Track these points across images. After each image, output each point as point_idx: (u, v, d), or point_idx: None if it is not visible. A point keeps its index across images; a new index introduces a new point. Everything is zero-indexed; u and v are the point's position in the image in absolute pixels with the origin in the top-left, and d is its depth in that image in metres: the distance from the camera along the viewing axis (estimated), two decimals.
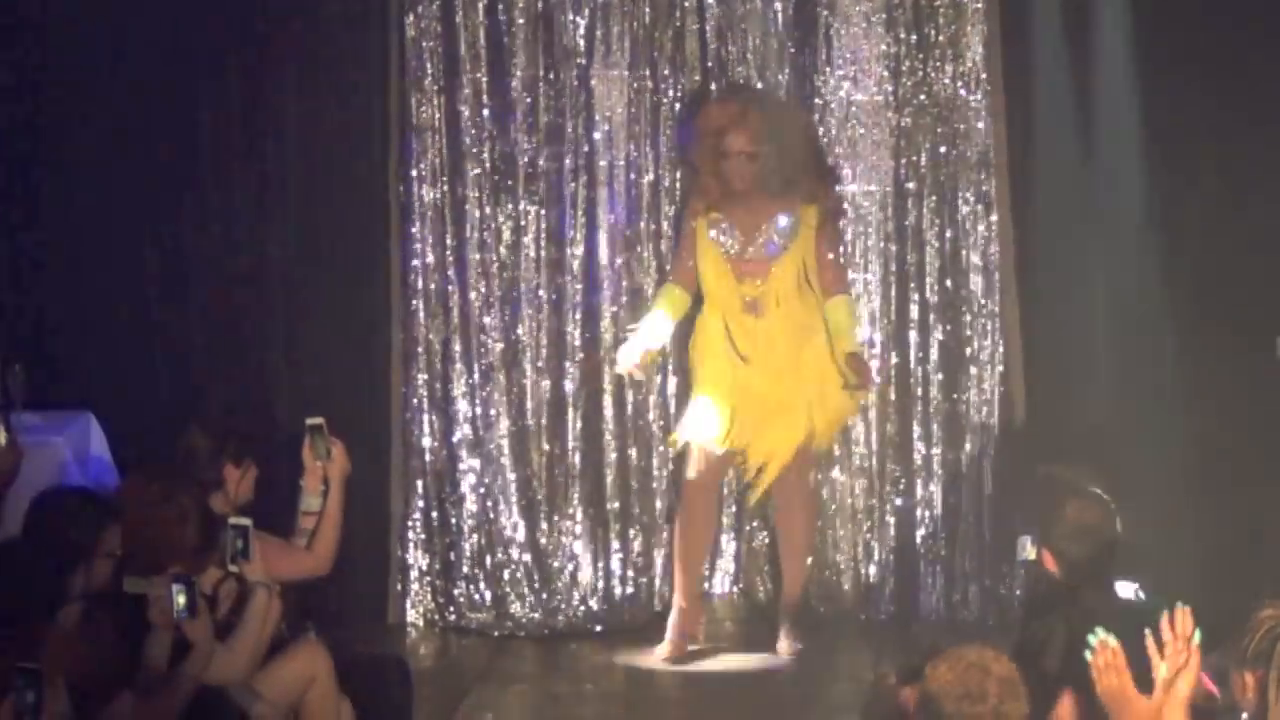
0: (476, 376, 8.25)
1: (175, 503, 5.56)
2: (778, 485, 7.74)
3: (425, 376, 8.26)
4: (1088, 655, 4.22)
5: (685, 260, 7.84)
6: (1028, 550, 5.46)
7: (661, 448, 8.24)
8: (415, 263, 8.22)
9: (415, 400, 8.27)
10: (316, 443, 6.32)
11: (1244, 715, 4.16)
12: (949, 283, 8.18)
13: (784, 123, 7.74)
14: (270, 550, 5.97)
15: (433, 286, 8.24)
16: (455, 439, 8.26)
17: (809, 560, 7.94)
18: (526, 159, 8.20)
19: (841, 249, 7.97)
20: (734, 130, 7.60)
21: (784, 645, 7.79)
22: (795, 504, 7.81)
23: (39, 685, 4.30)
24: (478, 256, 8.21)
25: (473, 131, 8.20)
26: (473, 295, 8.23)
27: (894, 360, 8.21)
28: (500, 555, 8.24)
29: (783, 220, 7.70)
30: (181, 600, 5.21)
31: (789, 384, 7.63)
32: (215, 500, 6.04)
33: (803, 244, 7.69)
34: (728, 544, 8.38)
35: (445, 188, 8.21)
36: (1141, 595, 5.18)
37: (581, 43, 8.19)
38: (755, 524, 8.33)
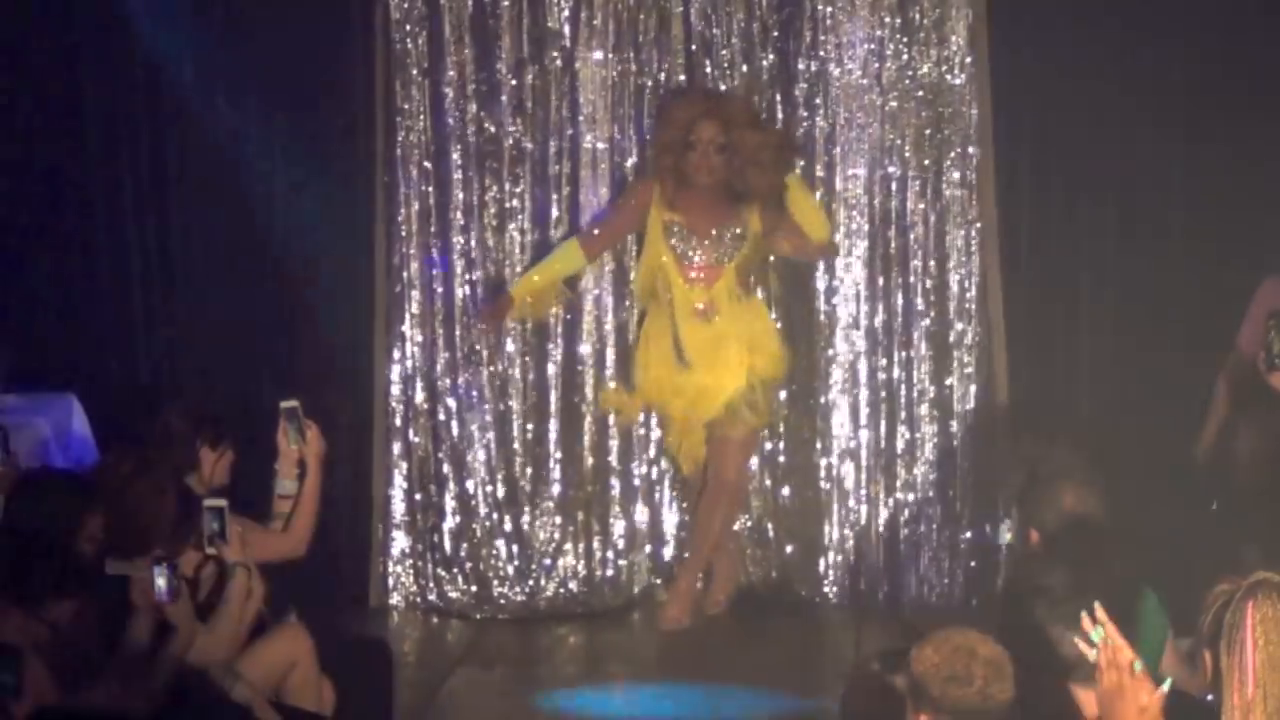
0: (459, 359, 8.21)
1: (151, 478, 5.54)
2: (711, 469, 7.78)
3: (408, 359, 8.23)
4: (1080, 642, 4.19)
5: (609, 233, 7.86)
6: (1007, 534, 5.43)
7: (642, 430, 8.21)
8: (400, 245, 8.18)
9: (397, 382, 8.23)
10: (290, 426, 6.28)
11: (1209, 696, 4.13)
12: (933, 265, 8.16)
13: (753, 122, 7.66)
14: (246, 533, 5.92)
15: (416, 268, 8.19)
16: (437, 422, 8.22)
17: (705, 551, 7.94)
18: (511, 141, 8.16)
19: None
20: (704, 120, 7.54)
21: (670, 613, 7.84)
22: (721, 491, 7.82)
23: (18, 667, 4.27)
24: (461, 239, 8.17)
25: (457, 114, 8.16)
26: (456, 278, 8.20)
27: (879, 343, 8.18)
28: (481, 538, 8.21)
29: (736, 229, 7.67)
30: (162, 582, 5.18)
31: (726, 383, 7.68)
32: (189, 483, 6.00)
33: (750, 249, 7.69)
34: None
35: (430, 169, 8.17)
36: None
37: (566, 25, 8.14)
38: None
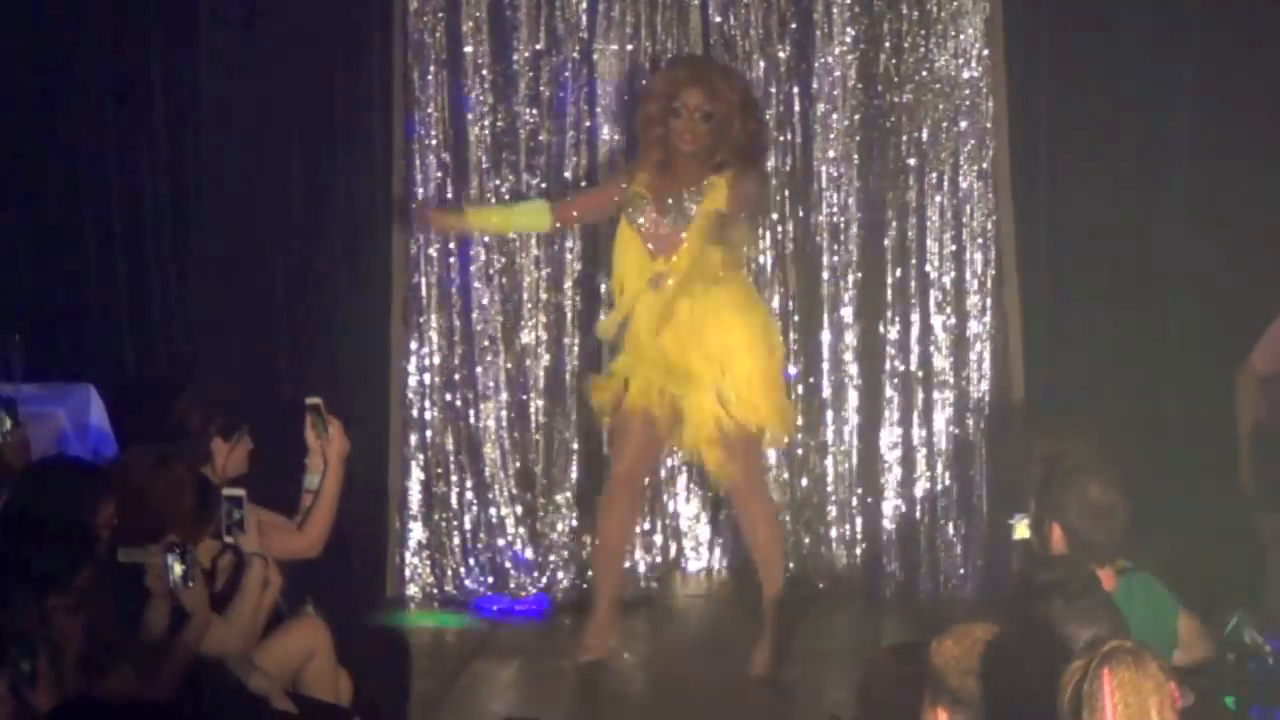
0: (475, 351, 8.18)
1: (170, 471, 5.51)
2: (725, 476, 7.29)
3: (425, 351, 8.19)
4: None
5: (584, 204, 7.50)
6: (1020, 529, 5.39)
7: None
8: (417, 235, 8.14)
9: (414, 375, 8.19)
10: (316, 422, 6.25)
11: None
12: (949, 258, 8.11)
13: (738, 89, 7.33)
14: (264, 530, 5.88)
15: (433, 260, 8.16)
16: (454, 414, 8.19)
17: (780, 558, 7.44)
18: (527, 132, 8.12)
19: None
20: (691, 87, 7.16)
21: (758, 659, 7.29)
22: (747, 500, 7.34)
23: (34, 656, 4.24)
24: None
25: (475, 105, 8.12)
26: (473, 269, 8.16)
27: (894, 336, 8.13)
28: (497, 530, 8.17)
29: (698, 196, 7.19)
30: (178, 569, 5.15)
31: (695, 358, 7.15)
32: (205, 473, 5.96)
33: (714, 199, 7.15)
34: (725, 519, 8.31)
35: (447, 160, 8.13)
36: None
37: (584, 17, 8.11)
38: None
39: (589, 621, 7.39)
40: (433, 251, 8.17)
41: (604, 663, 7.30)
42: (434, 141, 8.15)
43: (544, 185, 8.14)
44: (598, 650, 7.32)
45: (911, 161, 8.11)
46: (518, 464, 8.19)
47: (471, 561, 8.21)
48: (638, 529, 8.10)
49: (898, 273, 8.15)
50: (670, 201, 7.14)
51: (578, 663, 7.29)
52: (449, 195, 8.13)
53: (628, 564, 8.08)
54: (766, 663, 7.24)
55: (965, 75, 8.06)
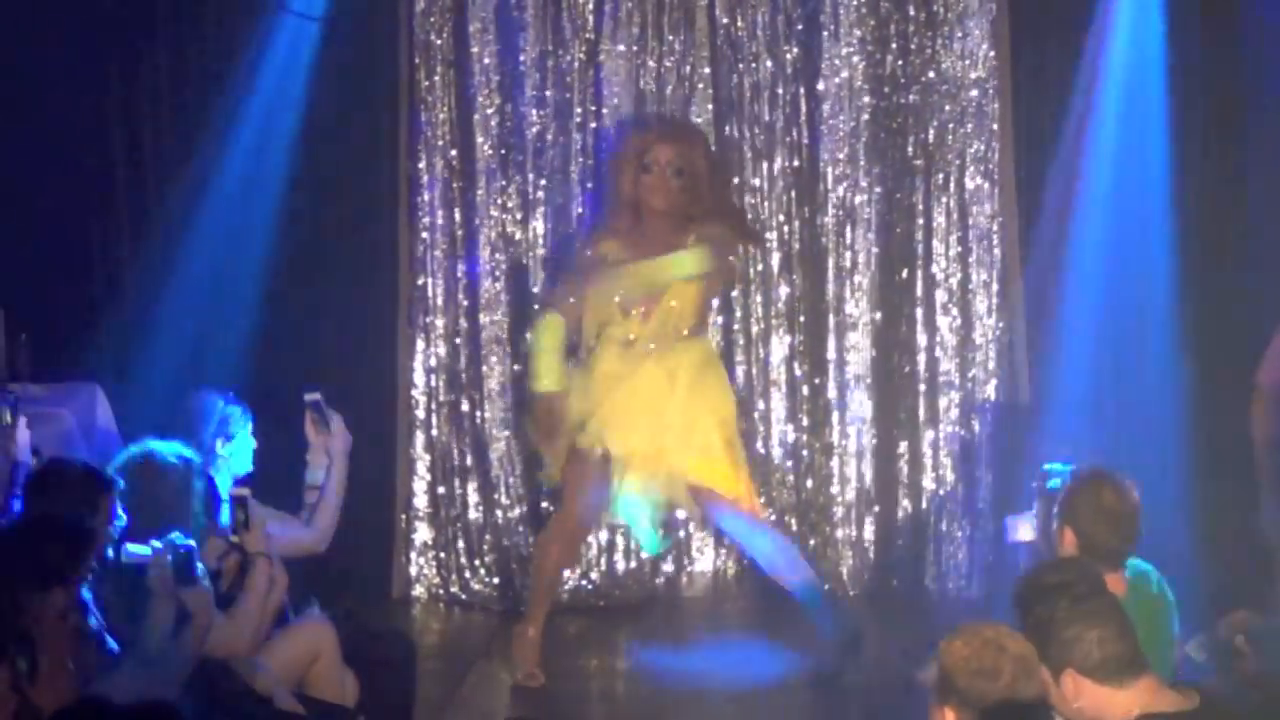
0: (482, 350, 8.16)
1: (176, 471, 5.49)
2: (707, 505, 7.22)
3: (432, 350, 8.18)
4: None
5: (574, 290, 7.21)
6: (1020, 531, 5.37)
7: None
8: (424, 235, 8.13)
9: (420, 374, 8.18)
10: (316, 418, 6.24)
11: None
12: (955, 259, 8.09)
13: (708, 153, 7.31)
14: (271, 527, 5.86)
15: (440, 259, 8.14)
16: (460, 414, 8.17)
17: (805, 569, 7.27)
18: (534, 134, 8.10)
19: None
20: (661, 144, 7.12)
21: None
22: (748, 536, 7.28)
23: (34, 653, 4.23)
24: (485, 231, 8.12)
25: (481, 106, 8.10)
26: (479, 269, 8.15)
27: (899, 337, 8.12)
28: (503, 531, 8.15)
29: (674, 255, 7.09)
30: (183, 566, 5.11)
31: (652, 419, 7.09)
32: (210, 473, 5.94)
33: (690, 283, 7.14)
34: None
35: (454, 161, 8.12)
36: None
37: (591, 18, 8.09)
38: (761, 500, 8.21)
39: (518, 647, 7.25)
40: (439, 253, 8.16)
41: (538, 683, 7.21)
42: (441, 142, 8.14)
43: (549, 186, 8.11)
44: (536, 677, 7.19)
45: (918, 162, 8.11)
46: (522, 465, 8.16)
47: (477, 563, 8.19)
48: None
49: (904, 273, 8.15)
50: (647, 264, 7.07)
51: (513, 681, 7.19)
52: (454, 196, 8.12)
53: (634, 565, 8.08)
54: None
55: (971, 76, 8.08)
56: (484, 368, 8.19)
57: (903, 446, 8.19)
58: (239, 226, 8.05)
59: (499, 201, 8.15)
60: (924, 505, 8.17)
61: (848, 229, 8.17)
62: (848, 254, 8.17)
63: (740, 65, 8.13)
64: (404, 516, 8.22)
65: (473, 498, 8.23)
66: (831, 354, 8.22)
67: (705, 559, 8.41)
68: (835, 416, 8.23)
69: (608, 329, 7.13)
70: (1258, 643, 5.33)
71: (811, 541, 8.20)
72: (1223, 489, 7.49)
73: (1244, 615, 5.57)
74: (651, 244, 7.09)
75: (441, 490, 8.23)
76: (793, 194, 8.18)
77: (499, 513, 8.20)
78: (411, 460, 8.22)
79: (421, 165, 8.15)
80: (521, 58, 8.14)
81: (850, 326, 8.21)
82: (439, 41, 8.14)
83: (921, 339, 8.17)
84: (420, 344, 8.20)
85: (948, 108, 8.09)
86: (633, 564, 8.21)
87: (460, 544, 8.22)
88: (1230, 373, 7.40)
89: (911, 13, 8.07)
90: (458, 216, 8.17)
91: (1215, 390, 7.64)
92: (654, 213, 7.08)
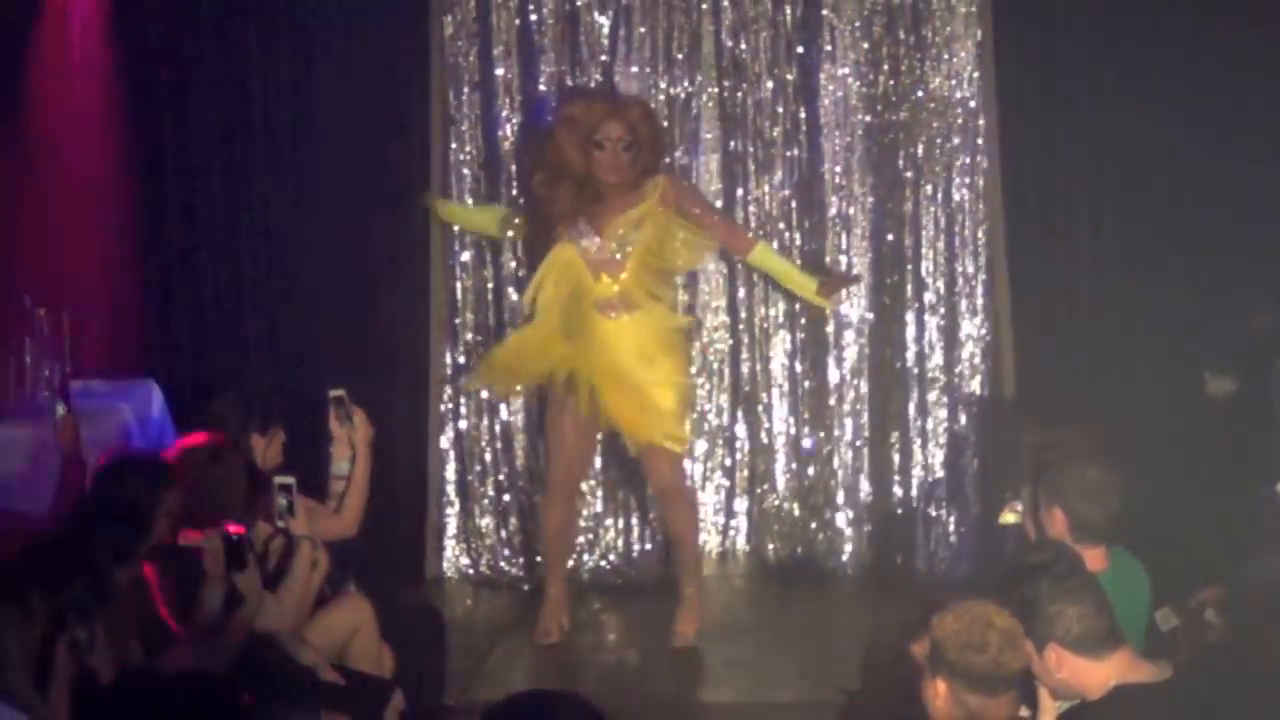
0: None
1: (226, 462, 5.52)
2: (650, 475, 7.30)
3: (461, 349, 8.20)
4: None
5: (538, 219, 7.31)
6: (1007, 515, 5.33)
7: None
8: (454, 246, 8.16)
9: (451, 371, 8.20)
10: (340, 412, 6.27)
11: None
12: (943, 264, 8.10)
13: (648, 114, 7.29)
14: (305, 513, 5.88)
15: (468, 266, 8.16)
16: (487, 404, 8.19)
17: (695, 551, 7.42)
18: None
19: (714, 202, 7.77)
20: (610, 120, 7.08)
21: (681, 629, 7.28)
22: (667, 496, 7.30)
23: (91, 623, 4.26)
24: (511, 237, 8.11)
25: (505, 124, 8.12)
26: (505, 275, 8.17)
27: (892, 335, 8.13)
28: (528, 514, 8.17)
29: (633, 212, 7.13)
30: (234, 551, 5.14)
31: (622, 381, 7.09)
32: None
33: (654, 225, 7.14)
34: (739, 503, 8.30)
35: (481, 174, 8.14)
36: None
37: (606, 42, 8.10)
38: (765, 486, 8.24)
39: (541, 608, 7.38)
40: (466, 258, 8.18)
41: (561, 644, 7.28)
42: (467, 156, 8.15)
43: None
44: (552, 634, 7.32)
45: (908, 174, 8.11)
46: (545, 452, 8.17)
47: (504, 544, 8.21)
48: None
49: (895, 276, 8.14)
50: (617, 221, 7.11)
51: (538, 645, 7.27)
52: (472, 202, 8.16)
53: (648, 549, 8.10)
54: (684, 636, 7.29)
55: (958, 95, 8.06)
56: None
57: (894, 436, 8.19)
58: (281, 237, 8.07)
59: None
60: (914, 491, 8.17)
61: (844, 236, 8.17)
62: (844, 259, 8.17)
63: (744, 85, 8.11)
64: (436, 502, 8.23)
65: (500, 484, 8.25)
66: (830, 349, 8.23)
67: (713, 541, 8.41)
68: (833, 409, 8.23)
69: (575, 289, 7.14)
70: (1226, 614, 5.31)
71: (812, 525, 8.20)
72: (1195, 472, 7.49)
73: (1216, 589, 5.54)
74: (612, 209, 7.12)
75: (470, 477, 8.25)
76: (793, 204, 8.18)
77: (523, 497, 8.22)
78: (442, 450, 8.24)
79: (451, 177, 8.15)
80: (541, 78, 8.15)
81: (846, 325, 8.21)
82: (465, 63, 8.14)
83: (911, 337, 8.18)
84: (450, 341, 8.23)
85: (936, 124, 8.07)
86: (648, 546, 8.22)
87: (488, 526, 8.24)
88: (1201, 370, 7.41)
89: (902, 36, 8.05)
90: None
91: (1188, 383, 7.65)
92: (606, 184, 7.12)
